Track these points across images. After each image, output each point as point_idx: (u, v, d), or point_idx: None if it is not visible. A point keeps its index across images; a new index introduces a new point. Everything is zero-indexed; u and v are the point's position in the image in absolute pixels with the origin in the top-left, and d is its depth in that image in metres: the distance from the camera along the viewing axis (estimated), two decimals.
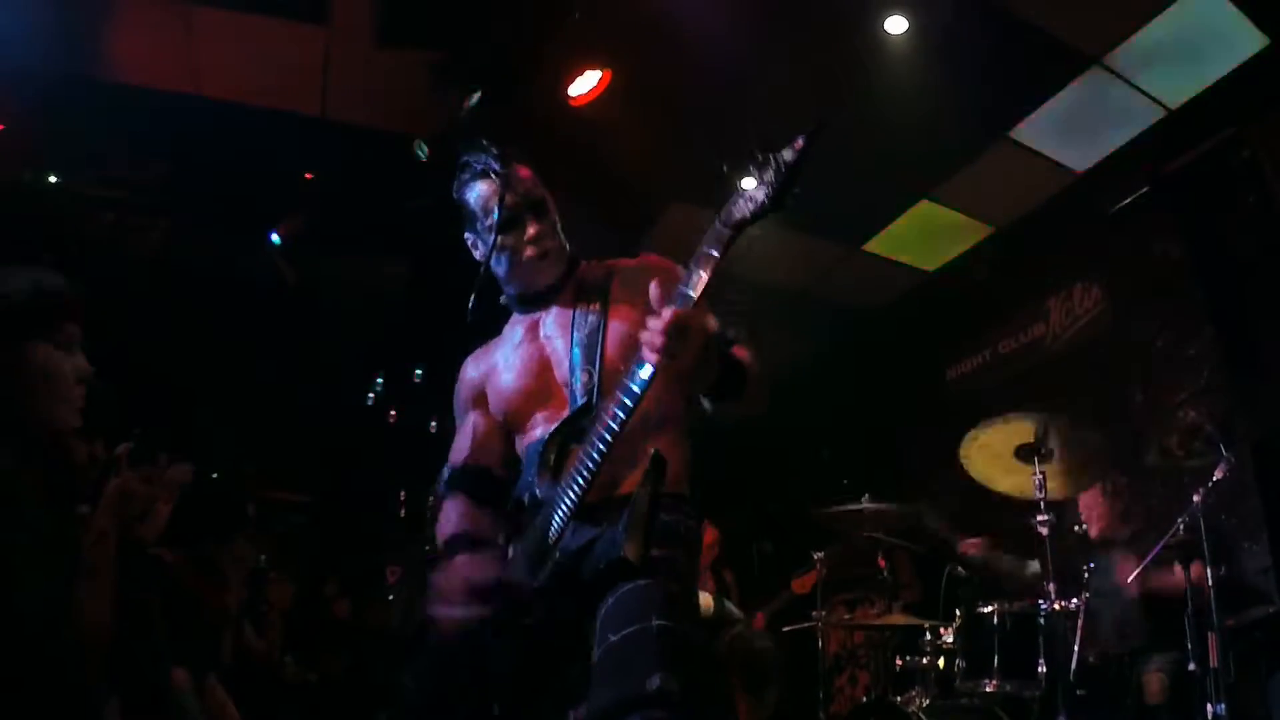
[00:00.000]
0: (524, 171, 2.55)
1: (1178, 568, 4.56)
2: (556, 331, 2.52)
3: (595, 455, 2.14)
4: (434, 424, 8.20)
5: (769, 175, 1.92)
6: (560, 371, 2.47)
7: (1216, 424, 5.72)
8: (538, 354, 2.52)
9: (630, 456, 2.17)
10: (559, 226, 2.58)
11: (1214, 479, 4.48)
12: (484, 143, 2.55)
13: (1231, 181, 6.10)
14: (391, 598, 8.01)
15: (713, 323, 2.29)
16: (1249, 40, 5.65)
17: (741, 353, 2.32)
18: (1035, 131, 6.58)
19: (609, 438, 2.11)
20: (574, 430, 2.28)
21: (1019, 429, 4.86)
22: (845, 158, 5.99)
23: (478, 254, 2.62)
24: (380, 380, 8.80)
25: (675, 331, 1.97)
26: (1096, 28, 5.74)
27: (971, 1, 5.54)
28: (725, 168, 2.04)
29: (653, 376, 2.04)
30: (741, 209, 1.97)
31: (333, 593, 7.75)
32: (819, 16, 5.57)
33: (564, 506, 2.21)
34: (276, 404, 8.11)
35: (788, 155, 1.91)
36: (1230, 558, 5.27)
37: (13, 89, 5.67)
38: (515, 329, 2.63)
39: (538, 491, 2.32)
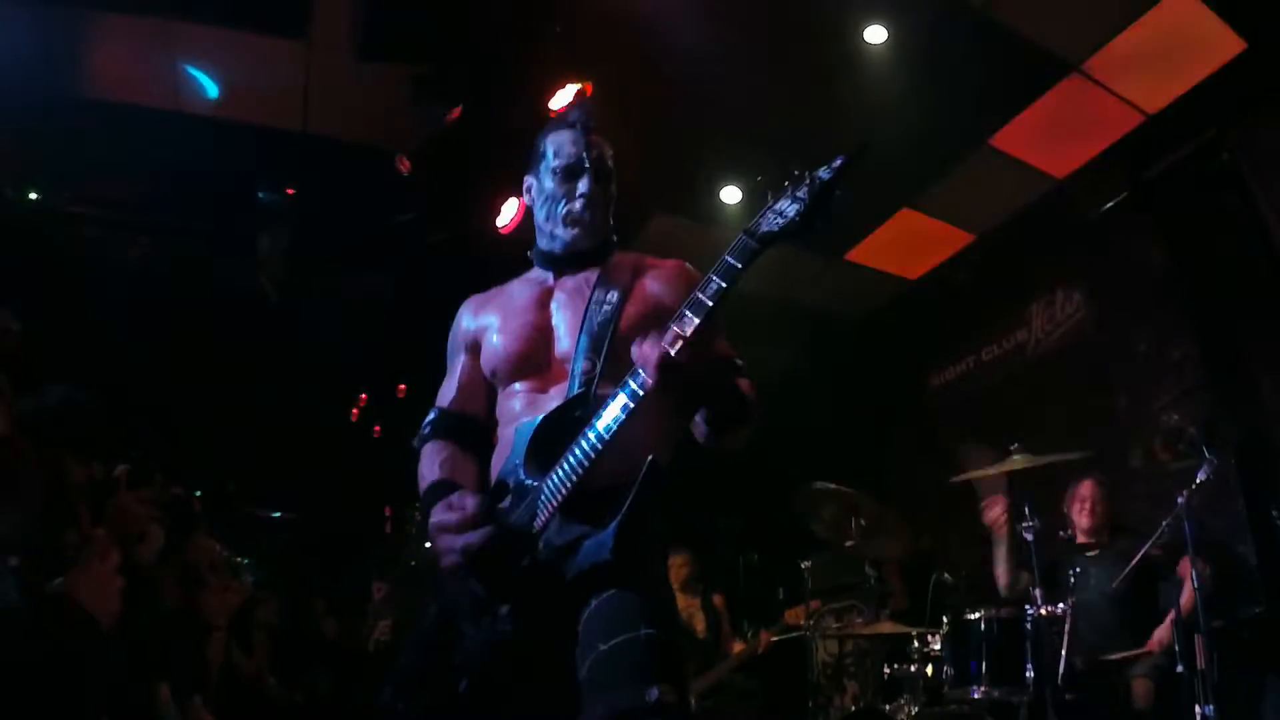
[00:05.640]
0: (607, 148, 2.59)
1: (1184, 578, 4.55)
2: (566, 304, 2.50)
3: (587, 454, 2.11)
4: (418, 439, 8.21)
5: (802, 192, 1.93)
6: (559, 346, 2.45)
7: (1200, 426, 5.75)
8: (541, 323, 2.50)
9: (623, 451, 2.10)
10: (611, 209, 2.61)
11: (1198, 481, 4.49)
12: (587, 106, 2.62)
13: (1211, 185, 6.14)
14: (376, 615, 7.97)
15: (724, 347, 2.43)
16: (1226, 44, 5.69)
17: (745, 385, 2.33)
18: (1015, 138, 6.61)
19: (601, 441, 2.10)
20: (567, 419, 2.23)
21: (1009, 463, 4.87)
22: (823, 165, 6.02)
23: (528, 197, 2.66)
24: (364, 395, 8.78)
25: (672, 358, 1.98)
26: (1075, 34, 5.77)
27: (950, 10, 5.56)
28: (760, 178, 2.02)
29: (647, 391, 2.04)
30: (770, 222, 1.96)
31: (321, 611, 7.71)
32: (799, 26, 5.59)
33: (550, 498, 2.18)
34: (259, 420, 8.08)
35: (823, 173, 1.93)
36: (1216, 559, 5.30)
37: None
38: (525, 289, 2.61)
39: (524, 477, 2.26)
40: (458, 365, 2.66)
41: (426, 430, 2.58)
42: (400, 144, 6.15)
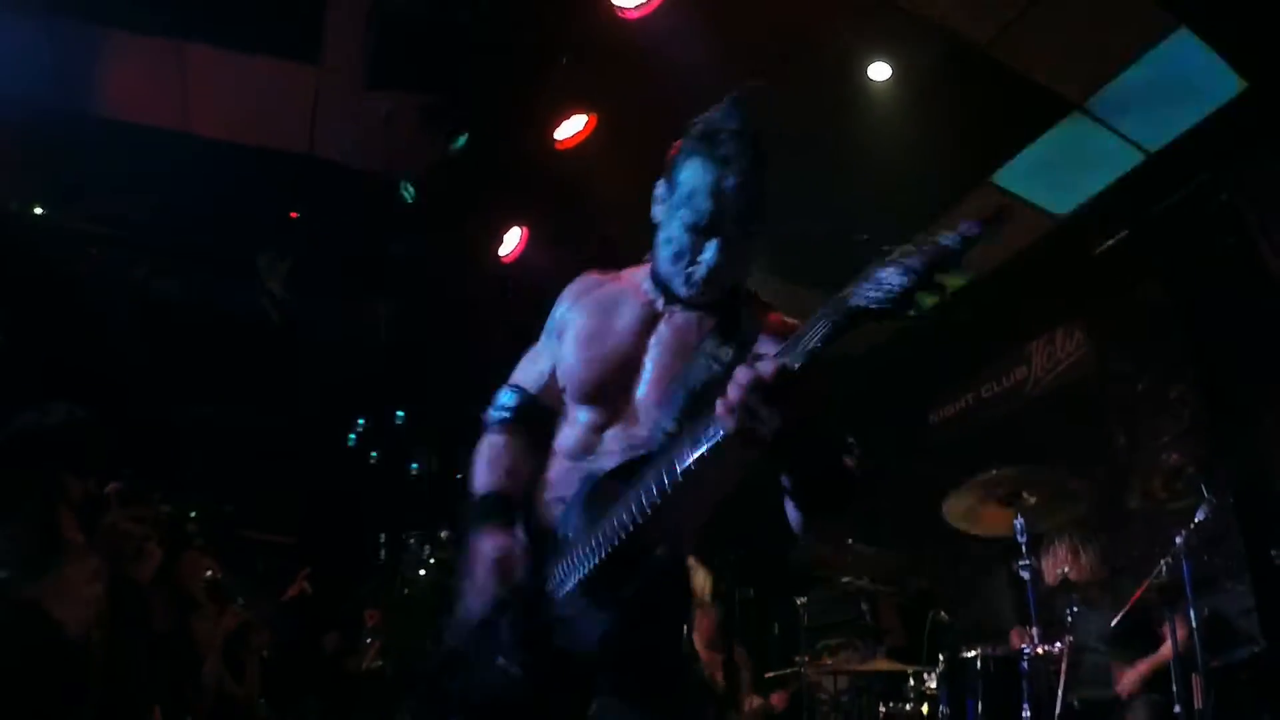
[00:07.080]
0: (757, 186, 2.07)
1: (1165, 637, 4.53)
2: (669, 347, 2.13)
3: (625, 526, 1.87)
4: (415, 465, 8.20)
5: (916, 261, 1.52)
6: (640, 388, 2.11)
7: (1199, 466, 5.75)
8: (631, 356, 2.15)
9: (656, 525, 1.86)
10: (749, 260, 2.16)
11: (1196, 520, 4.49)
12: (747, 122, 2.11)
13: (1211, 224, 6.15)
14: (369, 640, 7.93)
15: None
16: (1227, 84, 5.71)
17: (850, 464, 1.96)
18: (1017, 176, 6.64)
19: (643, 512, 1.83)
20: (631, 476, 1.92)
21: (997, 480, 4.86)
22: (827, 202, 6.04)
23: (654, 206, 2.21)
24: (362, 421, 8.76)
25: (766, 391, 1.63)
26: (1077, 73, 5.81)
27: (954, 48, 5.60)
28: (865, 237, 1.68)
29: (719, 443, 1.70)
30: (863, 295, 1.63)
31: (333, 644, 7.66)
32: (804, 62, 5.62)
33: (576, 566, 1.98)
34: (258, 443, 8.06)
35: (949, 240, 1.50)
36: (1213, 599, 5.27)
37: (4, 121, 5.68)
38: (629, 304, 2.21)
39: (569, 533, 2.04)
40: (549, 348, 2.32)
41: (506, 414, 2.30)
42: (406, 170, 6.18)
